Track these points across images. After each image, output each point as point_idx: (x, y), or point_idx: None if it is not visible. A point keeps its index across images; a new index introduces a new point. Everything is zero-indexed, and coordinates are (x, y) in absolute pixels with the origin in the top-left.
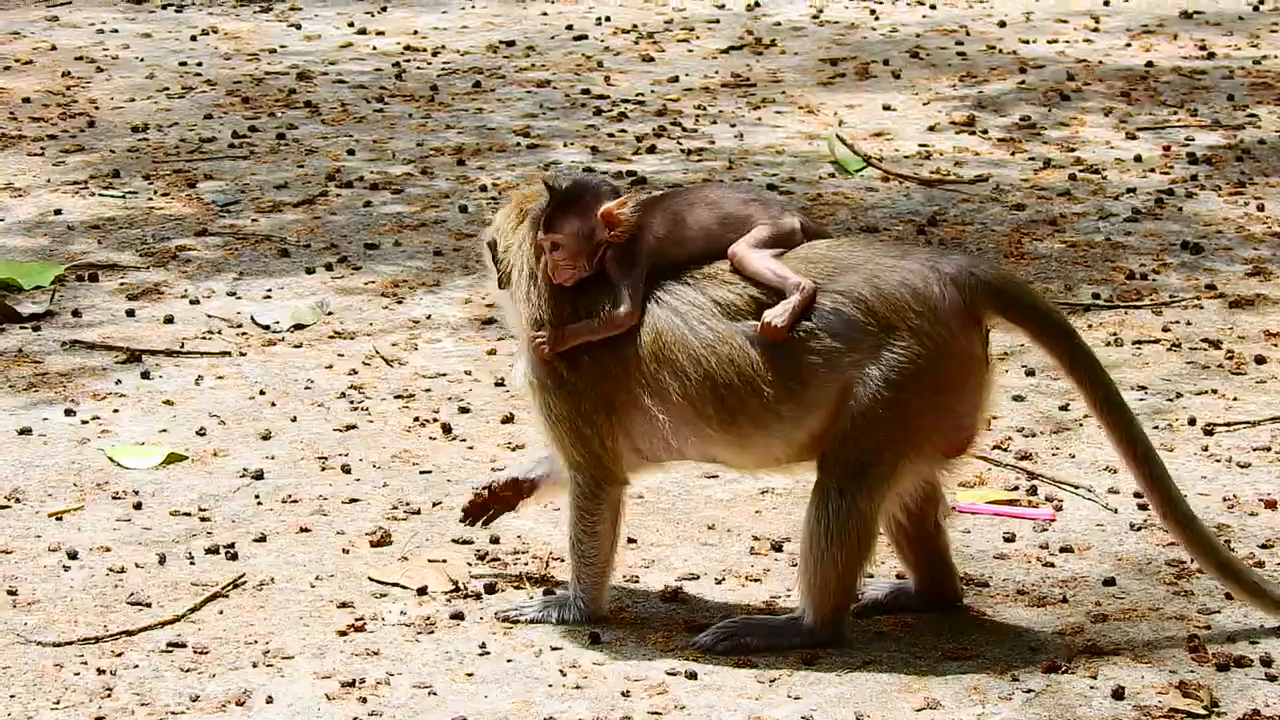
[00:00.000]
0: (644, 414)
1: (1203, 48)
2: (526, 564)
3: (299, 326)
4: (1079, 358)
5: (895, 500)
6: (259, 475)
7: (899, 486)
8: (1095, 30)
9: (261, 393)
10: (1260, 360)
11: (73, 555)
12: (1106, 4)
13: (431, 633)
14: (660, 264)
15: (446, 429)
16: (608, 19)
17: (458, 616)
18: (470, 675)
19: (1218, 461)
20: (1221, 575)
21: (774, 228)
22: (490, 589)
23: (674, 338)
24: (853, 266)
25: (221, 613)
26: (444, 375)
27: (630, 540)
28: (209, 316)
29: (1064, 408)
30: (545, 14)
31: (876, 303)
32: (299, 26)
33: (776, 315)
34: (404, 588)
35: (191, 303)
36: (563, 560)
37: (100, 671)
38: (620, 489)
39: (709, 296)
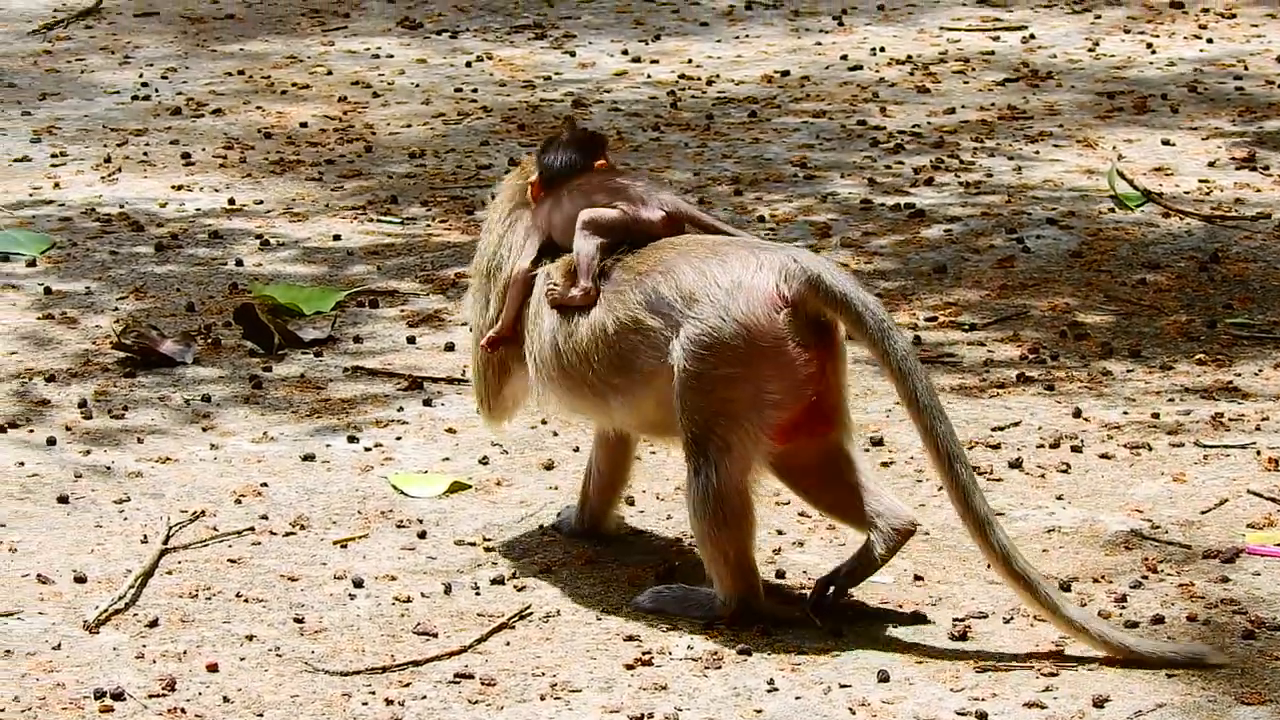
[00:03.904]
0: (525, 373)
1: None
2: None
3: None
4: (891, 352)
5: (752, 477)
6: (544, 506)
7: (745, 463)
8: None
9: (543, 422)
10: None
11: (358, 584)
12: None
13: (719, 667)
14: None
15: None
16: (882, 50)
17: (745, 652)
18: (759, 712)
19: None
20: (1016, 583)
21: (622, 213)
22: (777, 624)
23: (536, 314)
24: (685, 252)
25: (508, 644)
26: None
27: (917, 578)
28: None
29: None
30: (819, 44)
31: (686, 280)
32: (573, 54)
33: (550, 289)
34: (691, 621)
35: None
36: (849, 598)
37: (388, 702)
38: (494, 426)
39: (565, 277)
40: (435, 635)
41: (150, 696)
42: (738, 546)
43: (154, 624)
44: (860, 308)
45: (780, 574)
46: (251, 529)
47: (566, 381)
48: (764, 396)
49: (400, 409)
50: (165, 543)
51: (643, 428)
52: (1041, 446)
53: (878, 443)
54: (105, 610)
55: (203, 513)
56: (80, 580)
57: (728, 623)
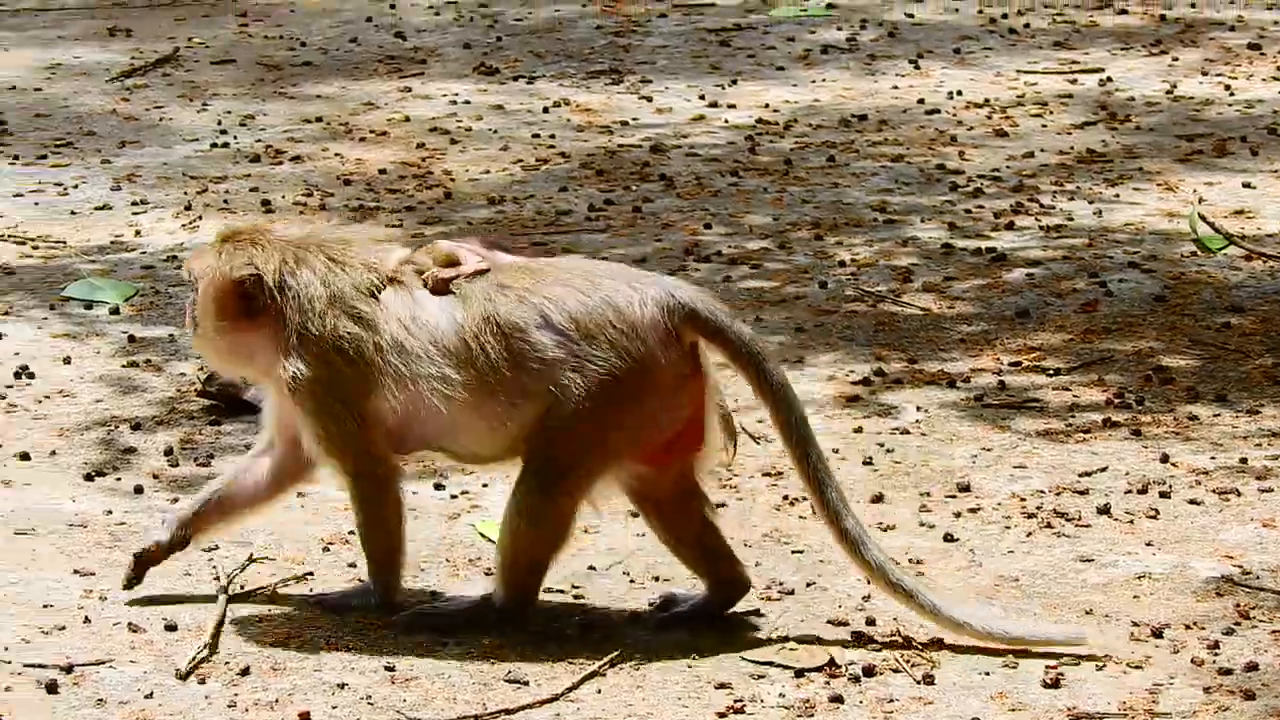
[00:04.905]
0: (388, 401)
1: None
2: (903, 646)
3: None
4: (766, 380)
5: (592, 498)
6: (630, 554)
7: (597, 486)
8: None
9: None
10: None
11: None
12: None
13: (811, 716)
14: None
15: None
16: (959, 93)
17: (836, 699)
18: None
19: None
20: (892, 592)
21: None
22: (868, 672)
23: (416, 331)
24: (564, 281)
25: (600, 692)
26: None
27: None
28: None
29: None
30: (896, 88)
31: (580, 314)
32: (650, 99)
33: (440, 270)
34: (782, 668)
35: None
36: (940, 644)
37: None
38: (398, 477)
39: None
40: (526, 683)
41: None
42: (542, 563)
43: (245, 672)
44: (736, 339)
45: (870, 620)
46: (341, 576)
47: (445, 397)
48: (649, 427)
49: None
50: (255, 590)
51: (492, 452)
52: (1129, 492)
53: (964, 489)
54: (196, 658)
55: (292, 560)
56: (171, 628)
57: (496, 620)
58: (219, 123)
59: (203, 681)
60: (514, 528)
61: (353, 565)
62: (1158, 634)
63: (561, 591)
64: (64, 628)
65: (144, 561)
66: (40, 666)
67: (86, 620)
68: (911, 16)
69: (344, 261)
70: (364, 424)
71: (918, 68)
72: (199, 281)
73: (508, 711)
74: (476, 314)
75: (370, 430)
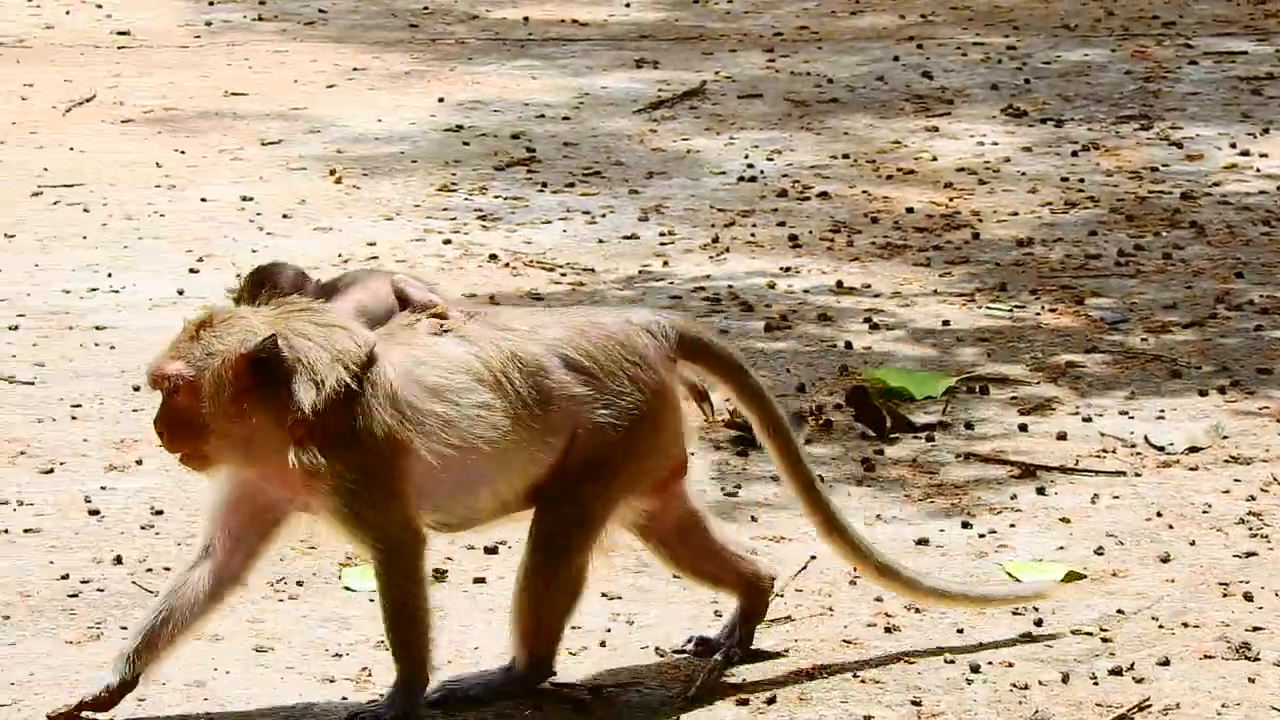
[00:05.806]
0: (428, 450)
1: None
2: None
3: (1193, 449)
4: (748, 389)
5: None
6: (1158, 600)
7: (610, 528)
8: None
9: (1158, 514)
10: None
11: (975, 669)
12: None
13: None
14: None
15: None
16: None
17: None
18: None
19: None
20: (882, 578)
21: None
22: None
23: (447, 367)
24: (562, 322)
25: None
26: None
27: None
28: (1102, 435)
29: None
30: None
31: (595, 352)
32: (1180, 145)
33: (432, 322)
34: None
35: (1084, 420)
36: None
37: None
38: (425, 546)
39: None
40: None
41: None
42: (563, 618)
43: (771, 701)
44: (721, 353)
45: None
46: (868, 611)
47: (505, 412)
48: (666, 455)
49: (1013, 496)
50: (773, 620)
51: (504, 504)
52: None
53: None
54: (701, 682)
55: (817, 591)
56: (699, 654)
57: (518, 685)
58: (745, 156)
59: (730, 708)
60: (534, 594)
61: (879, 599)
62: None
63: (1089, 634)
64: (586, 648)
65: (97, 706)
66: (570, 686)
67: (602, 644)
68: None
69: (332, 325)
70: (394, 491)
71: None
72: (201, 374)
73: None
74: (499, 352)
75: (402, 497)
